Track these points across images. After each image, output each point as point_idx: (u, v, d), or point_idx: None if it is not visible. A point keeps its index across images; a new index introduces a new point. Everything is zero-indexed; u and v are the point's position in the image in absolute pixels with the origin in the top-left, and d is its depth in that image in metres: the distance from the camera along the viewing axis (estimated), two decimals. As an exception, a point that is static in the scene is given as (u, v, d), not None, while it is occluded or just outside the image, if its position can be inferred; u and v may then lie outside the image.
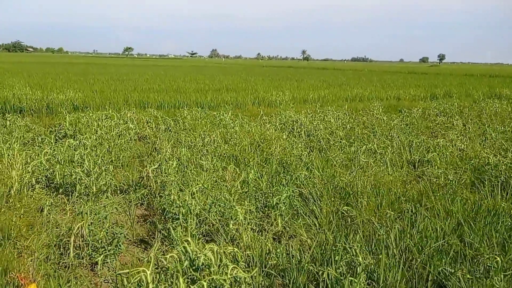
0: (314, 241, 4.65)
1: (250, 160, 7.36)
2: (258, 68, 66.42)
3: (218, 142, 8.46)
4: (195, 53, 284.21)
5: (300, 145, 8.72)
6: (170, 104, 14.51)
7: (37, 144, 8.30)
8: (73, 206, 5.93)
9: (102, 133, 9.49)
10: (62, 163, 6.81)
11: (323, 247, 4.41)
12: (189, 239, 3.60)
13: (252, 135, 9.28)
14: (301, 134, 10.11)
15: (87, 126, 9.99)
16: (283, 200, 5.39)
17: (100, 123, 10.20)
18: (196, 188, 4.97)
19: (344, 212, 5.28)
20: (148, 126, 10.70)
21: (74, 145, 7.95)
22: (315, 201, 5.58)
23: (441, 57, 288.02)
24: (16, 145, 7.46)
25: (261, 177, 6.36)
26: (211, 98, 15.75)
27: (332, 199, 5.64)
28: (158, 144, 9.20)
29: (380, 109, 14.41)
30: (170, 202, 5.21)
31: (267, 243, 4.31)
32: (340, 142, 8.89)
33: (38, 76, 25.41)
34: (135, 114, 11.70)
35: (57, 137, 9.84)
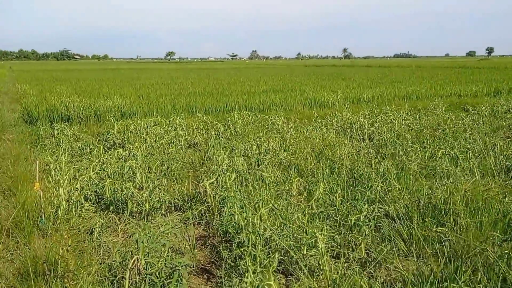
0: (412, 272, 3.82)
1: (315, 170, 6.57)
2: (300, 68, 65.35)
3: (276, 150, 7.71)
4: (235, 55, 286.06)
5: (366, 151, 7.85)
6: (218, 108, 13.94)
7: (86, 155, 7.88)
8: (125, 226, 5.37)
9: (152, 141, 9.01)
10: (112, 177, 6.29)
11: (426, 282, 3.57)
12: (271, 281, 2.87)
13: (311, 141, 8.49)
14: (363, 138, 9.20)
15: (136, 134, 9.53)
16: (363, 219, 4.59)
17: (148, 131, 9.73)
18: (265, 209, 4.23)
19: (441, 235, 4.39)
20: (198, 132, 10.12)
21: (124, 155, 7.46)
22: (400, 220, 4.72)
23: (490, 50, 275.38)
24: (64, 156, 7.04)
25: (332, 191, 5.56)
26: (259, 101, 15.05)
27: (421, 217, 4.76)
28: (210, 152, 8.58)
29: (443, 108, 13.22)
30: (234, 224, 4.52)
31: (358, 280, 3.50)
32: (411, 146, 7.92)
33: (85, 83, 25.68)
34: (183, 120, 11.17)
35: (105, 147, 9.46)
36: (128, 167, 6.78)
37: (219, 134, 10.11)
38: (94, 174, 6.22)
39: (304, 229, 4.08)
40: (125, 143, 9.30)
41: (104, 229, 5.19)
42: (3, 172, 7.01)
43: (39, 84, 23.87)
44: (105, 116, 11.88)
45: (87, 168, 6.59)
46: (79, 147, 8.50)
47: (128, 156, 7.32)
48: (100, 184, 6.04)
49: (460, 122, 10.64)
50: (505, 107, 13.71)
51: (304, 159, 7.01)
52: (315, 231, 4.04)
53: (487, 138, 8.17)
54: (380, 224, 4.54)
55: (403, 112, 11.79)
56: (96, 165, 6.51)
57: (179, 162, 7.45)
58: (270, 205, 4.33)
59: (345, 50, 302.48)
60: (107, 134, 9.85)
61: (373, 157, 7.12)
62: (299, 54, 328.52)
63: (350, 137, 9.61)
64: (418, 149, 7.64)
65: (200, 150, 9.04)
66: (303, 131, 9.71)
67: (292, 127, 10.77)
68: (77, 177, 6.13)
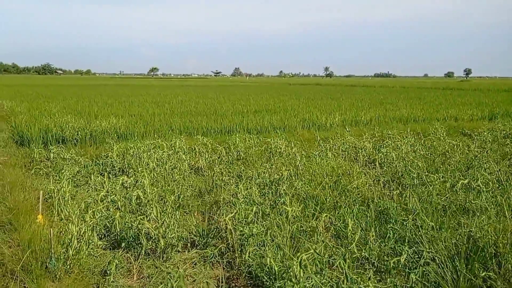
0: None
1: (337, 202, 6.27)
2: (285, 86, 65.61)
3: (289, 178, 7.38)
4: (219, 72, 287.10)
5: (382, 180, 7.59)
6: (216, 129, 13.58)
7: (90, 183, 7.43)
8: (140, 266, 4.94)
9: (154, 166, 8.59)
10: (122, 209, 5.86)
11: None
12: None
13: (323, 168, 8.20)
14: (374, 164, 8.95)
15: (137, 158, 9.09)
16: (403, 262, 4.28)
17: (149, 154, 9.30)
18: (306, 255, 3.88)
19: (490, 281, 4.10)
20: (201, 156, 9.74)
21: (129, 183, 7.03)
22: (443, 263, 4.42)
23: (468, 71, 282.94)
24: (67, 186, 6.59)
25: (361, 227, 5.25)
26: (256, 122, 14.76)
27: (465, 260, 4.47)
28: (216, 179, 8.21)
29: (443, 132, 13.14)
30: (267, 269, 4.16)
31: None
32: (427, 175, 7.69)
33: (72, 100, 25.04)
34: (183, 142, 10.79)
35: (105, 170, 9.00)
36: (136, 197, 6.38)
37: (221, 158, 9.74)
38: (103, 207, 5.78)
39: (350, 279, 3.74)
40: (126, 168, 8.87)
41: (118, 269, 4.76)
42: (0, 202, 6.50)
43: (25, 101, 23.16)
44: (101, 138, 11.40)
45: (94, 199, 6.14)
46: (81, 174, 8.03)
47: (135, 184, 6.90)
48: (110, 217, 5.60)
49: (467, 148, 10.52)
50: (503, 132, 13.71)
51: (322, 189, 6.69)
52: (360, 280, 3.71)
53: (501, 167, 8.01)
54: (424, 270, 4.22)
55: (407, 137, 11.65)
56: (104, 196, 6.07)
57: (188, 191, 7.06)
58: (312, 251, 3.97)
59: (326, 68, 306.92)
60: (106, 157, 9.38)
61: (394, 188, 6.85)
62: (281, 71, 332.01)
63: (361, 164, 9.37)
64: (437, 179, 7.41)
65: (204, 175, 8.65)
66: (311, 157, 9.42)
67: (295, 151, 10.49)
68: (85, 209, 5.68)
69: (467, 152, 10.16)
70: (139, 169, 7.98)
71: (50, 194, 6.52)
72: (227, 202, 6.62)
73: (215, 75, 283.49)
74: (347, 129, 13.18)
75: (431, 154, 9.85)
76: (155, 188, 6.82)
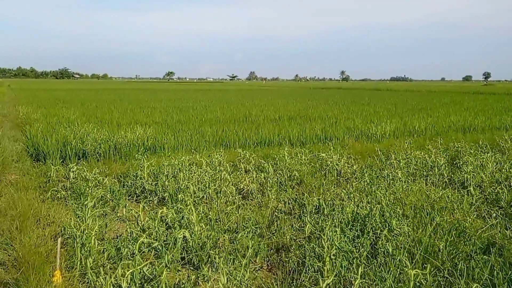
0: None
1: (455, 257, 4.59)
2: (306, 90, 63.89)
3: (374, 213, 5.71)
4: (235, 76, 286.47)
5: (494, 215, 5.88)
6: (254, 140, 11.95)
7: (118, 212, 5.87)
8: None
9: (195, 190, 7.02)
10: (170, 264, 4.27)
11: None
12: None
13: (407, 194, 6.53)
14: (453, 186, 7.22)
15: (173, 178, 7.54)
16: None
17: (186, 173, 7.74)
18: None
19: None
20: (247, 175, 8.15)
21: (172, 219, 5.45)
22: None
23: (487, 75, 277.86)
24: (92, 221, 5.05)
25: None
26: (298, 131, 13.11)
27: None
28: (271, 206, 6.59)
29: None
30: None
31: None
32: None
33: (92, 105, 23.76)
34: (222, 157, 9.22)
35: (134, 193, 7.47)
36: (181, 242, 4.80)
37: (267, 178, 8.09)
38: (142, 258, 4.21)
39: None
40: (160, 191, 7.31)
41: None
42: (5, 246, 4.97)
43: (42, 106, 21.91)
44: (127, 151, 9.87)
45: (128, 242, 4.57)
46: (106, 199, 6.50)
47: (181, 220, 5.31)
48: (154, 277, 4.02)
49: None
50: None
51: (432, 232, 5.00)
52: None
53: None
54: None
55: (482, 151, 9.92)
56: (142, 241, 4.50)
57: (248, 230, 5.44)
58: None
59: (343, 72, 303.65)
60: (135, 177, 7.85)
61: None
62: (296, 75, 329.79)
63: (437, 185, 7.67)
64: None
65: (259, 204, 7.02)
66: (379, 178, 7.75)
67: (356, 168, 8.84)
68: (117, 258, 4.12)
69: None
70: (179, 195, 6.41)
71: (70, 233, 4.98)
72: (300, 247, 5.01)
73: (230, 79, 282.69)
74: (409, 143, 11.44)
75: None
76: (204, 226, 5.23)
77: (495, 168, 8.46)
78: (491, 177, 7.78)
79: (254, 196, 7.34)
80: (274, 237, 5.56)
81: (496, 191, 6.78)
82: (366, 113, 20.11)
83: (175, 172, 7.93)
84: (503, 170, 8.33)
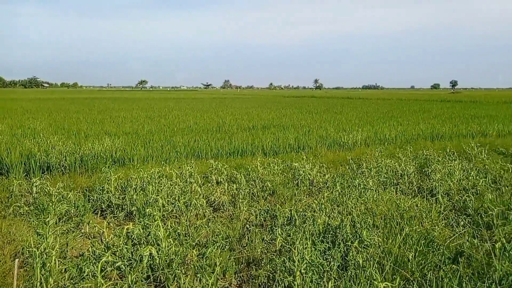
0: None
1: (425, 268, 4.59)
2: (280, 98, 64.19)
3: (346, 223, 5.67)
4: (209, 84, 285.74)
5: (462, 223, 5.94)
6: (227, 150, 11.82)
7: (82, 228, 5.64)
8: None
9: (164, 203, 6.85)
10: (133, 284, 4.10)
11: None
12: None
13: (378, 204, 6.54)
14: (436, 196, 7.29)
15: (141, 192, 7.33)
16: None
17: (155, 186, 7.55)
18: None
19: None
20: (219, 187, 8.02)
21: (137, 234, 5.27)
22: None
23: (454, 83, 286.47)
24: (53, 239, 4.83)
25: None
26: (271, 141, 13.07)
27: None
28: (243, 219, 6.49)
29: (481, 151, 11.57)
30: None
31: None
32: (505, 213, 6.06)
33: (59, 115, 23.16)
34: (193, 168, 9.05)
35: (100, 208, 7.23)
36: (147, 260, 4.63)
37: (239, 189, 7.98)
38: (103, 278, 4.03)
39: None
40: (128, 205, 7.09)
41: None
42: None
43: (8, 117, 21.21)
44: (94, 163, 9.59)
45: (91, 261, 4.38)
46: (69, 214, 6.25)
47: (147, 236, 5.14)
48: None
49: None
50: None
51: (401, 242, 4.99)
52: None
53: None
54: None
55: (449, 158, 10.10)
56: (106, 262, 4.31)
57: (216, 243, 5.31)
58: None
59: (316, 80, 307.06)
60: (102, 191, 7.60)
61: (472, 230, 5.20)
62: (271, 84, 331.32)
63: (406, 193, 7.74)
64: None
65: (230, 216, 6.90)
66: (351, 187, 7.77)
67: (329, 178, 8.84)
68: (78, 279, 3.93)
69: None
70: (147, 210, 6.22)
71: (30, 252, 4.74)
72: (270, 261, 4.92)
73: (205, 87, 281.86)
74: (380, 150, 11.54)
75: (494, 182, 8.24)
76: (172, 241, 5.08)
77: (462, 176, 8.60)
78: (458, 184, 7.90)
79: (225, 208, 7.22)
80: (245, 251, 5.45)
81: (463, 198, 6.87)
82: (339, 122, 20.30)
83: (144, 185, 7.73)
84: (470, 178, 8.47)
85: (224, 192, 7.79)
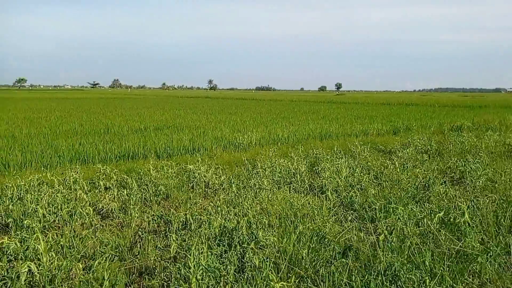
0: None
1: (317, 263, 4.73)
2: (174, 99, 63.15)
3: (243, 225, 5.63)
4: (96, 83, 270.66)
5: (349, 218, 6.27)
6: (117, 154, 11.17)
7: None
8: None
9: (45, 213, 6.20)
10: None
11: None
12: None
13: (272, 204, 6.64)
14: (325, 193, 7.62)
15: (19, 202, 6.56)
16: None
17: (35, 195, 6.82)
18: None
19: None
20: (108, 193, 7.50)
21: (14, 250, 4.67)
22: None
23: (339, 86, 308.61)
24: None
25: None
26: (164, 142, 12.68)
27: None
28: (134, 226, 6.13)
29: (365, 149, 12.50)
30: None
31: None
32: (386, 206, 6.57)
33: None
34: (78, 174, 8.37)
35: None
36: (26, 277, 4.13)
37: (129, 194, 7.55)
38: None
39: None
40: (3, 218, 6.29)
41: None
42: None
43: None
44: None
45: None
46: None
47: (25, 251, 4.57)
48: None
49: (396, 168, 9.81)
50: (418, 147, 13.57)
51: (296, 240, 5.08)
52: None
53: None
54: None
55: (336, 156, 10.70)
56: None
57: (105, 254, 4.91)
58: None
59: (210, 81, 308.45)
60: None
61: (372, 231, 5.55)
62: (164, 84, 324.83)
63: (299, 191, 8.02)
64: (404, 210, 6.29)
65: (120, 224, 6.48)
66: (247, 188, 7.82)
67: (225, 180, 8.79)
68: None
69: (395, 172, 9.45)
70: (25, 221, 5.57)
71: None
72: (165, 268, 4.70)
73: (92, 87, 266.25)
74: (274, 151, 11.81)
75: (376, 178, 8.90)
76: (54, 255, 4.59)
77: (349, 173, 9.15)
78: (345, 181, 8.37)
79: (115, 215, 6.77)
80: (137, 260, 5.13)
81: (350, 195, 7.28)
82: (234, 122, 20.49)
83: (22, 194, 6.94)
84: (355, 174, 9.04)
85: (114, 198, 7.32)
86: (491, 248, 4.87)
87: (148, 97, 71.17)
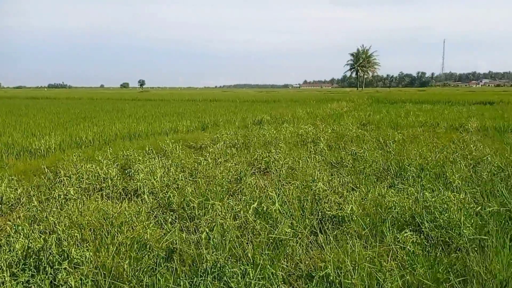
0: None
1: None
2: None
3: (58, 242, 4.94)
4: None
5: (170, 220, 6.14)
6: None
7: None
8: None
9: None
10: None
11: None
12: None
13: (83, 215, 6.03)
14: (140, 195, 7.30)
15: None
16: None
17: None
18: None
19: None
20: None
21: None
22: None
23: (142, 83, 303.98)
24: None
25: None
26: None
27: None
28: None
29: (177, 148, 12.54)
30: None
31: None
32: (204, 203, 6.73)
33: None
34: None
35: None
36: None
37: None
38: None
39: None
40: None
41: None
42: None
43: None
44: None
45: None
46: None
47: None
48: None
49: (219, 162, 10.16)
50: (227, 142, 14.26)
51: (116, 255, 4.67)
52: None
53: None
54: None
55: (149, 156, 10.42)
56: None
57: None
58: None
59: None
60: None
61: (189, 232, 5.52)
62: None
63: (111, 197, 7.54)
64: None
65: None
66: (51, 201, 6.94)
67: (22, 192, 7.63)
68: None
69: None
70: None
71: None
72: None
73: None
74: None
75: (191, 175, 8.97)
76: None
77: (163, 173, 9.00)
78: (161, 182, 8.20)
79: None
80: None
81: (167, 195, 7.15)
82: (26, 126, 18.06)
83: None
84: (170, 174, 8.95)
85: None
86: (300, 231, 5.41)
87: None
